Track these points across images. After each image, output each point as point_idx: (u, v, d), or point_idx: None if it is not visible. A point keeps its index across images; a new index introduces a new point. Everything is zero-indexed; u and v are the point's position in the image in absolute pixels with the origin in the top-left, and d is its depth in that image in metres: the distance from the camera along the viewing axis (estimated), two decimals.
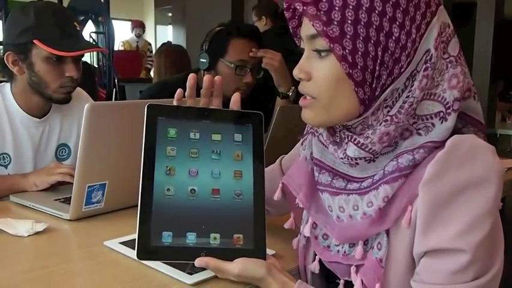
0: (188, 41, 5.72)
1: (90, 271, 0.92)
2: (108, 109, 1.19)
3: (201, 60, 1.77)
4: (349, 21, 0.69)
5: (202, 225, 0.80)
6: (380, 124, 0.72)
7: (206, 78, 0.88)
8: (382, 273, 0.72)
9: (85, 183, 1.15)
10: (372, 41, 0.69)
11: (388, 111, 0.72)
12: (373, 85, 0.71)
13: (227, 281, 0.81)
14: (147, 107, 0.82)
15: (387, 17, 0.69)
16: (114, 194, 1.20)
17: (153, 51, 6.93)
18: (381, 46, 0.69)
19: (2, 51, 1.52)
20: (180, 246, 0.79)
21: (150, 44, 7.69)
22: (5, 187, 1.37)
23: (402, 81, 0.71)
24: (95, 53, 6.08)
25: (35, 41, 1.40)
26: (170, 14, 8.84)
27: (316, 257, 0.85)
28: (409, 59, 0.70)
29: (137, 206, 0.79)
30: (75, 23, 1.49)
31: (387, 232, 0.73)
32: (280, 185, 0.91)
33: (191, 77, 0.87)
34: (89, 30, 6.27)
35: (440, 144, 0.70)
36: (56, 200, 1.29)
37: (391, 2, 0.69)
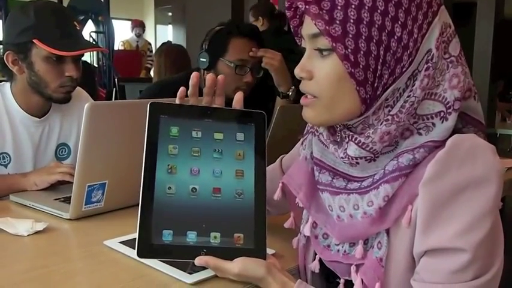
0: (188, 41, 5.73)
1: (90, 270, 0.92)
2: (108, 109, 1.19)
3: (201, 59, 1.77)
4: (352, 21, 0.69)
5: (202, 224, 0.80)
6: (381, 123, 0.72)
7: (209, 76, 0.89)
8: (382, 273, 0.72)
9: (85, 183, 1.15)
10: (374, 40, 0.69)
11: (389, 111, 0.72)
12: (375, 84, 0.71)
13: (227, 281, 0.81)
14: (150, 105, 0.82)
15: (389, 16, 0.69)
16: (114, 193, 1.20)
17: (153, 51, 6.93)
18: (383, 45, 0.69)
19: (1, 50, 1.52)
20: (180, 244, 0.79)
21: (150, 44, 7.68)
22: (5, 186, 1.37)
23: (403, 80, 0.71)
24: (94, 52, 6.08)
25: (34, 41, 1.40)
26: (170, 14, 8.85)
27: (317, 256, 0.85)
28: (410, 59, 0.70)
29: (137, 205, 0.79)
30: (75, 23, 1.49)
31: (387, 231, 0.73)
32: (280, 184, 0.91)
33: (194, 75, 0.87)
34: (88, 30, 6.27)
35: (440, 144, 0.70)
36: (56, 199, 1.29)
37: (393, 2, 0.69)
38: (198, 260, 0.78)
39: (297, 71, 0.77)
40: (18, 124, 1.51)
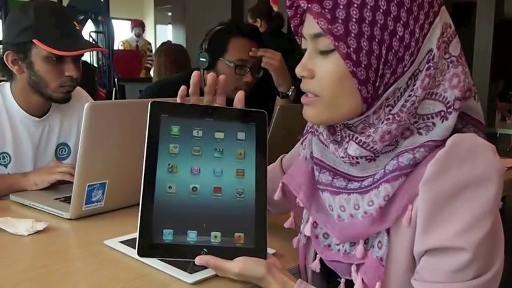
0: (188, 40, 5.73)
1: (91, 270, 0.92)
2: (108, 108, 1.19)
3: (201, 59, 1.76)
4: (354, 20, 0.69)
5: (203, 223, 0.80)
6: (382, 123, 0.72)
7: (210, 76, 0.89)
8: (383, 272, 0.72)
9: (85, 182, 1.15)
10: (376, 40, 0.69)
11: (390, 110, 0.72)
12: (376, 84, 0.71)
13: (227, 281, 0.81)
14: (151, 104, 0.82)
15: (391, 16, 0.69)
16: (114, 193, 1.20)
17: (153, 51, 6.93)
18: (385, 45, 0.69)
19: (1, 50, 1.52)
20: (180, 244, 0.79)
21: (149, 44, 7.68)
22: (5, 186, 1.37)
23: (405, 80, 0.71)
24: (94, 52, 6.07)
25: (34, 41, 1.40)
26: (170, 14, 8.84)
27: (317, 256, 0.85)
28: (412, 58, 0.70)
29: (137, 205, 0.79)
30: (75, 23, 1.49)
31: (388, 231, 0.73)
32: (280, 184, 0.91)
33: (195, 74, 0.87)
34: (88, 30, 6.27)
35: (440, 143, 0.70)
36: (56, 199, 1.29)
37: (395, 1, 0.69)
38: (199, 260, 0.78)
39: (298, 70, 0.76)
40: (18, 124, 1.51)
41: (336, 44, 0.69)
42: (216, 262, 0.78)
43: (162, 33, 9.99)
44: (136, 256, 0.78)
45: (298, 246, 0.91)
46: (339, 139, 0.78)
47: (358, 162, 0.75)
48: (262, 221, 0.82)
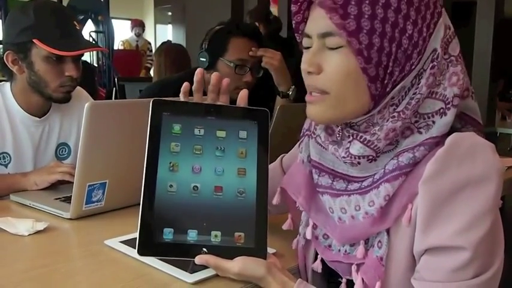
0: (188, 40, 5.73)
1: (91, 270, 0.92)
2: (108, 108, 1.19)
3: (201, 59, 1.76)
4: (366, 16, 0.69)
5: (203, 222, 0.80)
6: (387, 121, 0.72)
7: (214, 75, 0.89)
8: (383, 272, 0.72)
9: (85, 182, 1.15)
10: (387, 37, 0.69)
11: (394, 109, 0.72)
12: (385, 81, 0.71)
13: (227, 280, 0.81)
14: (153, 102, 0.82)
15: (402, 13, 0.69)
16: (115, 193, 1.20)
17: (153, 50, 6.92)
18: (395, 42, 0.69)
19: (1, 50, 1.52)
20: (181, 243, 0.79)
21: (149, 43, 7.67)
22: (5, 186, 1.37)
23: (410, 79, 0.72)
24: (94, 52, 6.08)
25: (34, 41, 1.40)
26: (170, 13, 8.84)
27: (318, 256, 0.85)
28: (419, 57, 0.71)
29: (138, 205, 0.79)
30: (75, 22, 1.49)
31: (387, 230, 0.73)
32: (279, 189, 0.91)
33: (199, 71, 0.87)
34: (88, 30, 6.27)
35: (439, 140, 0.70)
36: (56, 199, 1.29)
37: (405, 0, 0.69)
38: (199, 259, 0.78)
39: (305, 66, 0.75)
40: (19, 124, 1.51)
41: (349, 39, 0.69)
42: (216, 261, 0.78)
43: (162, 33, 9.99)
44: (136, 256, 0.78)
45: (297, 248, 0.91)
46: (338, 139, 0.78)
47: (359, 163, 0.75)
48: (263, 220, 0.82)
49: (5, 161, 1.50)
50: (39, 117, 1.54)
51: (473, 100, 0.76)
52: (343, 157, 0.75)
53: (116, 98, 4.21)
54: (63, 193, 1.32)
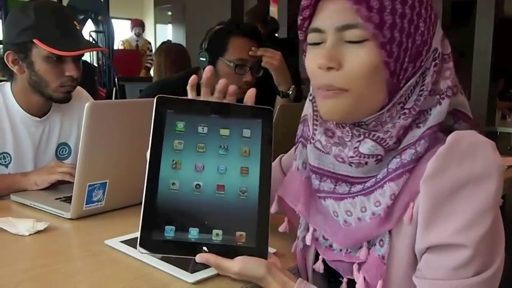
0: (188, 40, 5.73)
1: (91, 270, 0.92)
2: (108, 108, 1.19)
3: (201, 59, 1.76)
4: (388, 10, 0.69)
5: (205, 221, 0.80)
6: (399, 118, 0.72)
7: (221, 81, 0.90)
8: (385, 270, 0.72)
9: (86, 182, 1.15)
10: (405, 32, 0.70)
11: (402, 107, 0.72)
12: (400, 76, 0.71)
13: (228, 280, 0.81)
14: (157, 99, 0.82)
15: (416, 11, 0.70)
16: (115, 192, 1.20)
17: (153, 50, 6.92)
18: (411, 38, 0.70)
19: (2, 50, 1.52)
20: (182, 241, 0.79)
21: (149, 43, 7.67)
22: (6, 186, 1.37)
23: (416, 76, 0.72)
24: (94, 52, 6.07)
25: (34, 41, 1.40)
26: (170, 13, 8.83)
27: (320, 256, 0.85)
28: (428, 54, 0.72)
29: (138, 204, 0.79)
30: (75, 22, 1.49)
31: (389, 229, 0.73)
32: (276, 197, 0.89)
33: (208, 69, 0.89)
34: (88, 29, 6.26)
35: (437, 129, 0.71)
36: (57, 199, 1.29)
37: None
38: (199, 257, 0.78)
39: (325, 61, 0.72)
40: (19, 124, 1.51)
41: (375, 32, 0.69)
42: (217, 260, 0.78)
43: (162, 33, 9.99)
44: (137, 256, 0.78)
45: (295, 251, 0.90)
46: (346, 140, 0.76)
47: (366, 163, 0.73)
48: (265, 220, 0.81)
49: (5, 161, 1.50)
50: (40, 117, 1.54)
51: (463, 95, 0.77)
52: (351, 157, 0.73)
53: (116, 98, 4.22)
54: (63, 193, 1.32)
